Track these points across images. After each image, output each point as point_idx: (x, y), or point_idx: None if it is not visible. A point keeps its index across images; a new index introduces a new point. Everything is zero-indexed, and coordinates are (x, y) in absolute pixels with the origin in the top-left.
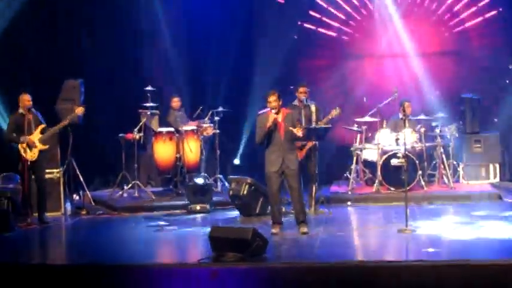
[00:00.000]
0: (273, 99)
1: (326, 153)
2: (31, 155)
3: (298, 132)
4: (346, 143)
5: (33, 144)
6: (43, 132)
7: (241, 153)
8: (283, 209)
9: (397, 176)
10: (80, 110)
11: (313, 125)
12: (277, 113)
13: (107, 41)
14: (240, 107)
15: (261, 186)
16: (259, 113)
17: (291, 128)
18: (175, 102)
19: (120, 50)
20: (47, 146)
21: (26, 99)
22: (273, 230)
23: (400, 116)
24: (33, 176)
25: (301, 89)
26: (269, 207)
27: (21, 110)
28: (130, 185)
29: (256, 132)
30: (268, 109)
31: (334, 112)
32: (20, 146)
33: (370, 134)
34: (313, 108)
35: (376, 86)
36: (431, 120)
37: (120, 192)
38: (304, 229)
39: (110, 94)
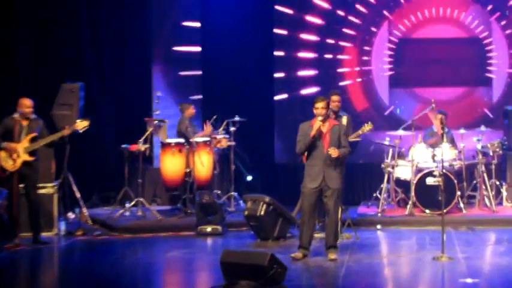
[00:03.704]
0: (320, 105)
1: (354, 170)
2: (11, 165)
3: (334, 153)
4: (376, 159)
5: (16, 153)
6: (34, 142)
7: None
8: (317, 234)
9: (433, 197)
10: (81, 125)
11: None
12: (323, 122)
13: (111, 40)
14: (260, 117)
15: (280, 206)
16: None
17: (329, 150)
18: (191, 109)
19: (126, 50)
20: (33, 158)
21: (24, 104)
22: (293, 254)
23: (435, 129)
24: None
25: (334, 97)
26: (289, 230)
27: (15, 115)
28: (133, 203)
29: (297, 140)
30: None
31: (366, 127)
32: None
33: (403, 149)
34: (344, 120)
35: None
36: (472, 134)
37: (122, 211)
38: (333, 255)
39: (113, 99)
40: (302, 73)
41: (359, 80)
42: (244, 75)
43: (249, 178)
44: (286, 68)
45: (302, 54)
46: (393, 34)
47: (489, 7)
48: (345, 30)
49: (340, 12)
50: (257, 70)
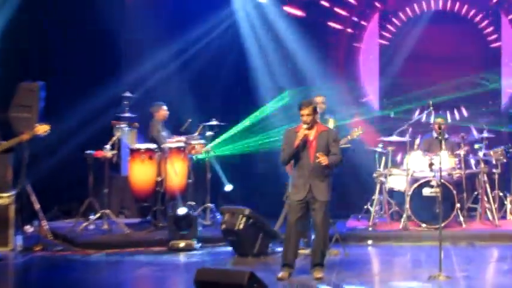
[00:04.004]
0: (306, 112)
1: (343, 180)
2: None
3: (323, 160)
4: (367, 168)
5: None
6: None
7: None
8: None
9: (430, 209)
10: (42, 129)
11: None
12: (309, 129)
13: (78, 37)
14: (238, 120)
15: (262, 219)
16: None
17: (317, 155)
18: (163, 111)
19: (93, 48)
20: None
21: None
22: (279, 275)
23: (434, 135)
24: None
25: (318, 99)
26: (270, 246)
27: None
28: (98, 215)
29: (281, 149)
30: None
31: (356, 132)
32: None
33: (397, 157)
34: (331, 123)
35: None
36: (474, 141)
37: (85, 224)
38: (319, 274)
39: (76, 100)
40: None
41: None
42: (223, 74)
43: (228, 188)
44: None
45: None
46: (385, 28)
47: None
48: (331, 23)
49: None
50: (237, 68)
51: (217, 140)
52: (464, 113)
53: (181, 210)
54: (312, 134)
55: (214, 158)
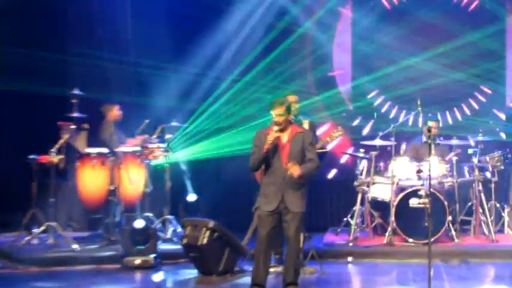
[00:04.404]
0: (277, 112)
1: (320, 189)
2: None
3: (295, 171)
4: (348, 175)
5: None
6: None
7: (202, 186)
8: (274, 268)
9: (418, 222)
10: None
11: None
12: (282, 131)
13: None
14: (203, 121)
15: (228, 233)
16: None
17: (288, 165)
18: (116, 111)
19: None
20: None
21: None
22: None
23: (424, 139)
24: None
25: (290, 98)
26: (238, 263)
27: None
28: (42, 228)
29: (250, 153)
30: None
31: (335, 134)
32: None
33: (381, 164)
34: (306, 125)
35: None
36: (468, 145)
37: (28, 238)
38: None
39: (17, 99)
40: None
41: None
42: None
43: (191, 198)
44: None
45: None
46: None
47: None
48: None
49: None
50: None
51: (178, 143)
52: (458, 115)
53: (139, 223)
54: (285, 137)
55: (183, 163)
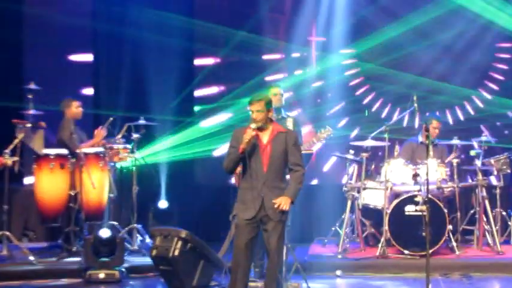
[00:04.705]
0: (256, 107)
1: (305, 194)
2: None
3: (285, 205)
4: (336, 179)
5: None
6: None
7: (174, 191)
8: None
9: (414, 232)
10: None
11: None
12: (261, 129)
13: None
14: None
15: (202, 243)
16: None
17: (274, 202)
18: (76, 108)
19: None
20: None
21: None
22: None
23: (421, 139)
24: None
25: (273, 90)
26: (213, 277)
27: None
28: None
29: (226, 153)
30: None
31: (323, 134)
32: None
33: (373, 166)
34: (289, 123)
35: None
36: (470, 147)
37: None
38: None
39: None
40: None
41: None
42: (155, 62)
43: (163, 205)
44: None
45: None
46: None
47: None
48: None
49: None
50: (173, 54)
51: (148, 144)
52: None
53: (104, 232)
54: (265, 137)
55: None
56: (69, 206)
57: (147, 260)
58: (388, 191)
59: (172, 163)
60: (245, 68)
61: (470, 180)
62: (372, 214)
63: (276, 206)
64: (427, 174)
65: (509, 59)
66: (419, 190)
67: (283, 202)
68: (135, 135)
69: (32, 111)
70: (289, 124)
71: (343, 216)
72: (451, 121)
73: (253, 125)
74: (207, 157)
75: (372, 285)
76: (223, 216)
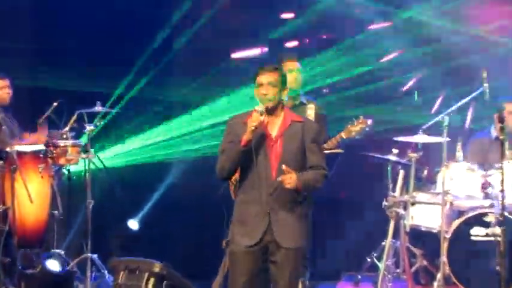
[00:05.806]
0: (267, 78)
1: (328, 212)
2: None
3: (291, 181)
4: (373, 191)
5: None
6: None
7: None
8: None
9: (484, 265)
10: None
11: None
12: (270, 113)
13: None
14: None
15: (183, 280)
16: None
17: (283, 168)
18: (1, 89)
19: None
20: None
21: None
22: None
23: (494, 133)
24: None
25: (288, 64)
26: None
27: None
28: None
29: (219, 151)
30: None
31: (355, 127)
32: None
33: (426, 172)
34: (311, 110)
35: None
36: None
37: None
38: None
39: None
40: None
41: None
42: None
43: (133, 225)
44: None
45: None
46: None
47: None
48: None
49: None
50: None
51: (107, 140)
52: None
53: (52, 264)
54: (274, 128)
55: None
56: None
57: None
58: (447, 207)
59: (142, 167)
60: None
61: None
62: (424, 240)
63: (278, 179)
64: (502, 183)
65: None
66: (492, 206)
67: (289, 176)
68: (89, 128)
69: None
70: (310, 112)
71: (383, 243)
72: None
73: (260, 107)
74: (190, 158)
75: None
76: (214, 242)
